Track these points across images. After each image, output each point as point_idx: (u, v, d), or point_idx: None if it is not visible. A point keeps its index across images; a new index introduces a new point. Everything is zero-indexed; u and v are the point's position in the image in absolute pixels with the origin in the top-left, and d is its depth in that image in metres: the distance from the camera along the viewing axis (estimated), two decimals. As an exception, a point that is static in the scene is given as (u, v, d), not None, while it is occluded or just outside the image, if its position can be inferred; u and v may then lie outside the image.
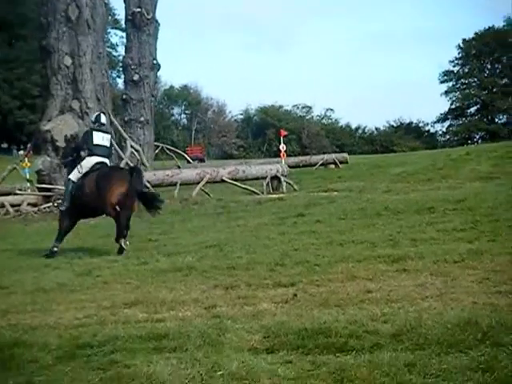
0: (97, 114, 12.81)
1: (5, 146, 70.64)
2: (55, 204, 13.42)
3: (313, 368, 4.46)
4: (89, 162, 11.75)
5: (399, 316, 5.47)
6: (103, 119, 12.35)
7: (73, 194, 11.66)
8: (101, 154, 11.85)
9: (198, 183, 21.55)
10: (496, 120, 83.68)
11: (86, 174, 11.63)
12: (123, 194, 11.10)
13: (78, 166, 11.75)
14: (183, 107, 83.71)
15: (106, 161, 11.97)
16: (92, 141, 11.79)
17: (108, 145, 12.09)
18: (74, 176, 11.74)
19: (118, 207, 11.15)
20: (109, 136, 12.27)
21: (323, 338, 5.02)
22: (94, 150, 11.77)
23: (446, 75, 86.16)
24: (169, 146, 42.45)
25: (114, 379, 4.45)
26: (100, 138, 11.88)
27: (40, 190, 20.72)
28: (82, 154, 11.94)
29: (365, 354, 4.59)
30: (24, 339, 5.53)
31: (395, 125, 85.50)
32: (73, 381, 4.49)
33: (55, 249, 11.41)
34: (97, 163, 11.72)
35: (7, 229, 13.89)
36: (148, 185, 12.21)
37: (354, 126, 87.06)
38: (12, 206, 21.40)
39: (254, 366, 4.52)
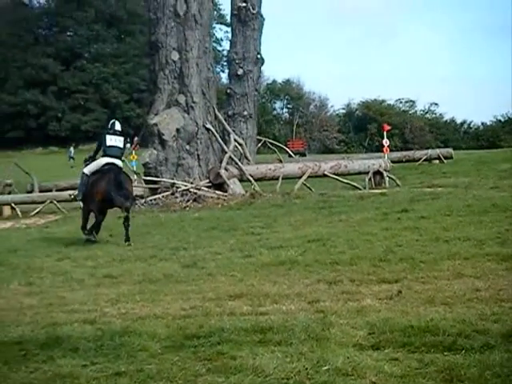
0: (112, 121, 14.32)
1: (113, 139, 72.68)
2: (72, 195, 15.03)
3: (420, 366, 4.39)
4: (101, 161, 13.44)
5: (510, 316, 5.31)
6: (117, 126, 13.99)
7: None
8: (113, 153, 13.46)
9: (300, 177, 21.56)
10: None
11: (95, 172, 13.32)
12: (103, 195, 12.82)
13: (93, 163, 13.53)
14: (285, 101, 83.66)
15: (117, 161, 13.45)
16: (105, 143, 13.50)
17: (120, 146, 13.71)
18: (87, 169, 13.49)
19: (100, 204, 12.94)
20: (122, 138, 13.85)
21: (430, 336, 4.94)
22: (107, 150, 13.45)
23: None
24: (271, 140, 42.60)
25: (221, 370, 4.52)
26: (113, 141, 13.58)
27: (147, 182, 21.23)
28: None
29: (475, 354, 4.48)
30: (133, 328, 5.69)
31: (502, 119, 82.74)
32: (181, 370, 4.58)
33: (85, 236, 13.14)
34: (106, 163, 13.28)
35: (115, 220, 14.30)
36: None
37: (459, 121, 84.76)
38: (120, 197, 22.08)
39: (360, 362, 4.49)
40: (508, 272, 7.19)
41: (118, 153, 13.58)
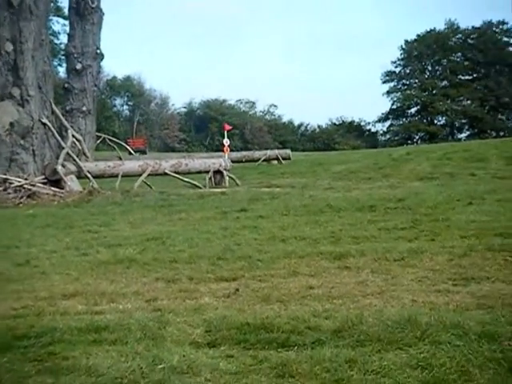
0: None
1: None
2: None
3: (254, 363, 4.46)
4: None
5: (340, 313, 5.51)
6: None
7: None
8: None
9: (140, 175, 21.39)
10: (435, 121, 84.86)
11: None
12: None
13: None
14: (126, 98, 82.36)
15: None
16: None
17: None
18: None
19: None
20: None
21: (265, 333, 5.03)
22: None
23: (388, 75, 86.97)
24: (111, 137, 42.00)
25: (52, 371, 4.37)
26: None
27: (-24, 177, 20.27)
28: None
29: (306, 350, 4.61)
30: (-42, 329, 5.39)
31: (337, 123, 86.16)
32: (8, 372, 4.39)
33: None
34: None
35: None
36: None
37: (296, 123, 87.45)
38: None
39: (196, 360, 4.50)
40: (340, 270, 7.47)
41: None
